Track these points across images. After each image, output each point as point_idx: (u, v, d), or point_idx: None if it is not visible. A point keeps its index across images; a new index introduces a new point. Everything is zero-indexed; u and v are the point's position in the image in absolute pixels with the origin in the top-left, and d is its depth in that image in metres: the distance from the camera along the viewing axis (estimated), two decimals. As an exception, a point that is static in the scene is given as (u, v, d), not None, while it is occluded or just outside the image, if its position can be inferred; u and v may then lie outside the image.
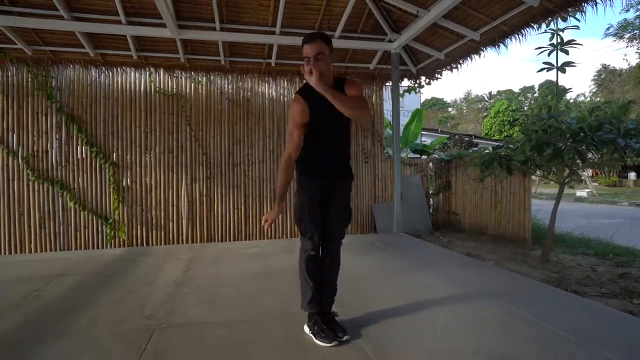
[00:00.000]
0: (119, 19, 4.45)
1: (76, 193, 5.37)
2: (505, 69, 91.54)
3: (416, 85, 6.67)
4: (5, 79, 5.12)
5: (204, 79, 5.85)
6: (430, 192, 7.15)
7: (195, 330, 2.27)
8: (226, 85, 5.95)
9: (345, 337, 2.12)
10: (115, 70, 5.44)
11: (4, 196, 5.13)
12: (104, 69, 5.39)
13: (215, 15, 4.58)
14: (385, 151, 6.67)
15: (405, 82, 6.73)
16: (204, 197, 5.85)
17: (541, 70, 10.62)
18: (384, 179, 6.56)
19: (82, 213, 5.38)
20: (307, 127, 2.13)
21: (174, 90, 5.72)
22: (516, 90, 39.77)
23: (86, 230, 5.42)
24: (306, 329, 2.22)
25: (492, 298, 2.78)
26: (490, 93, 42.88)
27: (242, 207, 5.99)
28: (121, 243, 5.49)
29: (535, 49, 4.36)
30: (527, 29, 4.44)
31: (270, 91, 6.13)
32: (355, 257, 4.16)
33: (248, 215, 6.01)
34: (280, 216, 5.96)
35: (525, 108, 33.02)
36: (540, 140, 3.91)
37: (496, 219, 5.74)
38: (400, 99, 6.16)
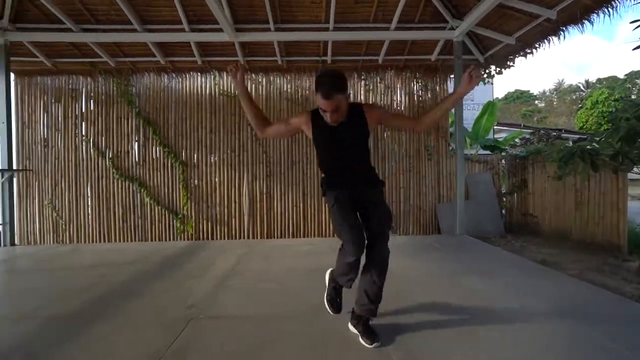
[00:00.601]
0: (183, 27, 4.77)
1: (151, 190, 5.89)
2: (608, 53, 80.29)
3: (485, 75, 6.12)
4: (96, 88, 5.81)
5: (264, 79, 6.03)
6: (503, 191, 6.51)
7: (227, 323, 2.30)
8: (284, 84, 6.06)
9: (374, 345, 2.02)
10: (183, 75, 5.87)
11: (95, 192, 5.83)
12: (174, 75, 5.85)
13: (269, 16, 4.67)
14: (450, 147, 6.23)
15: (473, 72, 6.22)
16: (264, 195, 6.03)
17: (637, 48, 9.04)
18: (448, 177, 6.14)
19: (156, 208, 5.89)
20: (320, 149, 2.20)
21: (236, 91, 5.97)
22: (621, 76, 34.66)
23: (160, 223, 5.92)
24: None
25: (566, 317, 2.32)
26: (587, 82, 37.98)
27: (300, 204, 6.05)
28: (188, 236, 5.90)
29: (631, 22, 3.58)
30: (620, 1, 3.80)
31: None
32: (408, 258, 3.94)
33: (306, 213, 6.05)
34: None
35: (634, 96, 28.60)
36: (633, 129, 3.30)
37: (582, 222, 5.02)
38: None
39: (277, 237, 5.97)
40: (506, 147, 8.56)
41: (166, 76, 5.85)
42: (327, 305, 2.30)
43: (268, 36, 4.93)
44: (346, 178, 2.15)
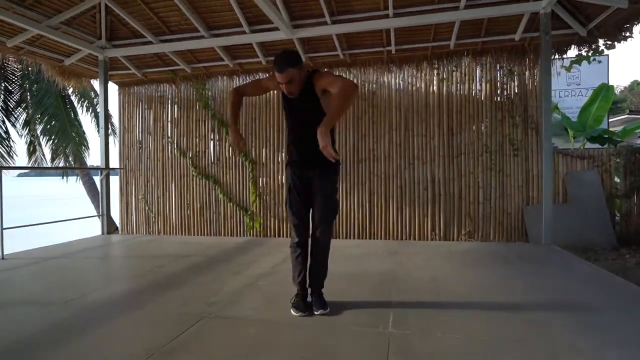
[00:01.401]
0: (244, 29, 4.93)
1: (224, 187, 6.25)
2: None
3: (590, 52, 5.05)
4: (178, 94, 6.40)
5: (329, 76, 5.91)
6: (617, 193, 5.31)
7: (234, 325, 2.24)
8: (350, 79, 5.84)
9: (319, 312, 2.34)
10: (252, 76, 6.08)
11: (177, 188, 6.42)
12: (243, 76, 6.10)
13: (324, 9, 4.53)
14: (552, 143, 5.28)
15: (572, 51, 5.18)
16: (329, 193, 5.91)
17: None
18: (540, 176, 5.23)
19: (228, 204, 6.23)
20: (285, 117, 2.48)
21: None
22: None
23: (231, 219, 6.26)
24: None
25: None
26: None
27: (367, 204, 5.79)
28: (256, 233, 6.11)
29: None
30: None
31: (396, 81, 5.72)
32: (458, 268, 3.44)
33: (372, 214, 5.77)
34: (414, 217, 5.56)
35: None
36: None
37: None
38: (571, 73, 4.78)
39: (342, 238, 5.81)
40: (623, 141, 6.98)
41: (237, 78, 6.15)
42: (292, 311, 2.39)
43: (325, 30, 4.79)
44: (299, 155, 2.39)
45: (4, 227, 3.99)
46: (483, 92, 5.45)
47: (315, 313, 2.35)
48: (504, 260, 3.77)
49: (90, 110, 9.62)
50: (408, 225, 5.64)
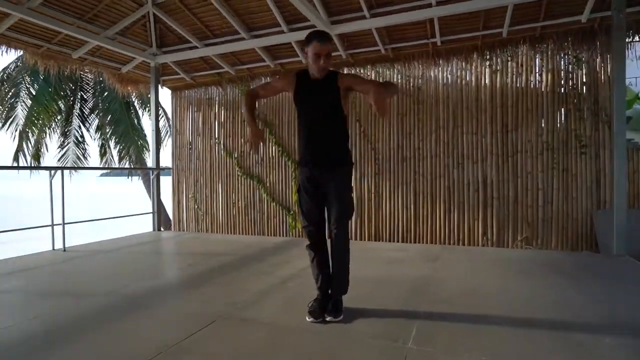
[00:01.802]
0: (282, 29, 4.91)
1: (268, 187, 6.31)
2: None
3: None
4: (225, 96, 6.59)
5: (372, 72, 5.71)
6: None
7: (246, 328, 2.19)
8: (394, 75, 5.60)
9: (329, 318, 2.21)
10: (294, 77, 6.06)
11: (224, 188, 6.62)
12: (286, 77, 6.11)
13: (361, 2, 4.36)
14: (628, 138, 4.60)
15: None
16: (372, 194, 5.72)
17: None
18: (613, 177, 4.57)
19: (272, 204, 6.29)
20: (298, 117, 2.37)
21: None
22: None
23: (275, 219, 6.30)
24: None
25: None
26: None
27: (412, 206, 5.50)
28: (298, 233, 6.08)
29: None
30: None
31: (443, 75, 5.35)
32: (506, 279, 3.07)
33: (418, 215, 5.47)
34: (463, 221, 5.18)
35: None
36: None
37: None
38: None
39: (385, 240, 5.57)
40: None
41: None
42: (307, 317, 2.29)
43: (364, 24, 4.62)
44: (311, 153, 2.28)
45: (65, 222, 4.36)
46: (543, 83, 4.89)
47: (326, 318, 2.23)
48: (563, 272, 3.32)
49: (150, 114, 10.32)
50: (456, 229, 5.25)
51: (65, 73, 6.47)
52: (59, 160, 9.41)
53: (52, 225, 4.31)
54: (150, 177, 5.83)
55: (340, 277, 2.37)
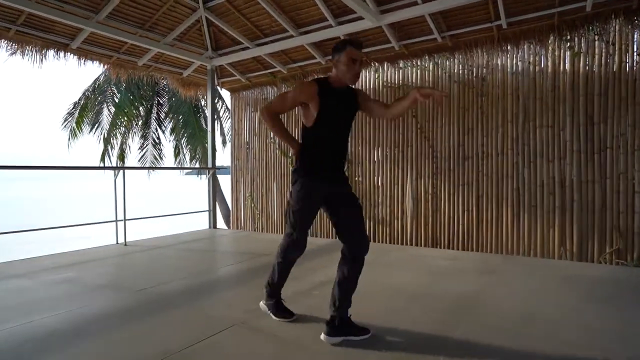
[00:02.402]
0: (330, 23, 4.73)
1: (320, 186, 6.19)
2: None
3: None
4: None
5: (430, 63, 5.27)
6: None
7: (257, 338, 2.07)
8: (454, 65, 5.10)
9: (324, 338, 2.02)
10: (347, 73, 5.84)
11: (278, 187, 6.65)
12: (338, 74, 5.91)
13: (411, -14, 4.01)
14: None
15: None
16: (429, 195, 5.29)
17: None
18: None
19: (324, 204, 6.15)
20: (316, 128, 2.14)
21: (400, 82, 5.49)
22: None
23: (327, 219, 6.15)
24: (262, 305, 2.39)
25: None
26: None
27: (473, 208, 4.97)
28: (349, 234, 5.86)
29: None
30: None
31: (512, 62, 4.73)
32: (582, 303, 2.54)
33: (480, 220, 4.92)
34: (534, 228, 4.56)
35: None
36: None
37: None
38: None
39: (443, 246, 5.11)
40: None
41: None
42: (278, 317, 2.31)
43: (415, 10, 4.24)
44: (326, 168, 2.15)
45: (126, 218, 4.69)
46: (642, 65, 4.05)
47: (321, 336, 2.02)
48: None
49: (215, 116, 10.87)
50: (526, 237, 4.60)
51: (145, 80, 7.00)
52: (138, 160, 10.39)
53: (116, 220, 4.66)
54: (206, 177, 6.06)
55: (351, 294, 2.16)
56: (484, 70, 4.90)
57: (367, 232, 2.24)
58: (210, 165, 6.02)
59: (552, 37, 4.44)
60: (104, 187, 4.85)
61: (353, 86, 2.23)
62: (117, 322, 2.32)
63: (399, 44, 5.01)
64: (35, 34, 4.65)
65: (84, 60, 5.22)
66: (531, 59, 4.61)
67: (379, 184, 5.69)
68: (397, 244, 5.45)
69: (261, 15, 5.00)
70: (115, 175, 4.63)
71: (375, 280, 3.14)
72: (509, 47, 4.70)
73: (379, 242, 5.61)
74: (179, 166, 11.14)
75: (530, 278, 3.19)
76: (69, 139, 9.91)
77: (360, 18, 4.44)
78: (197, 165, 10.86)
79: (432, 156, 5.27)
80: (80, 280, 3.23)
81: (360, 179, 5.86)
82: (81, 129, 9.90)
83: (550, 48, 4.49)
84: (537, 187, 4.56)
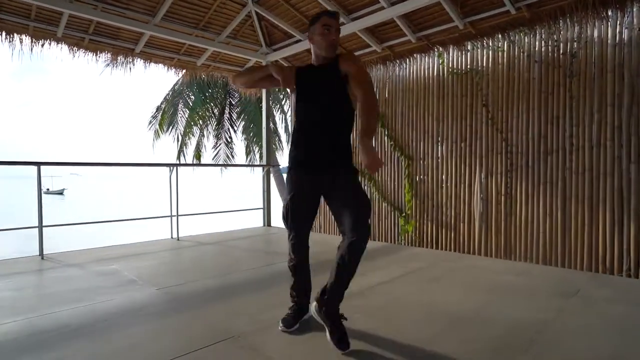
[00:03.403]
0: (382, 4, 4.29)
1: (379, 184, 5.75)
2: None
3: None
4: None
5: (504, 42, 4.50)
6: None
7: (246, 358, 1.79)
8: (535, 42, 4.27)
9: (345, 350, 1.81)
10: (407, 60, 5.31)
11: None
12: (397, 61, 5.40)
13: (473, -51, 3.38)
14: None
15: None
16: (502, 196, 4.54)
17: None
18: None
19: (383, 204, 5.70)
20: (297, 113, 2.04)
21: (468, 67, 4.80)
22: None
23: (386, 220, 5.70)
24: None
25: None
26: None
27: (558, 212, 4.11)
28: (409, 239, 5.33)
29: None
30: None
31: (614, 31, 3.79)
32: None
33: (567, 226, 4.05)
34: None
35: None
36: None
37: None
38: None
39: (519, 258, 4.33)
40: None
41: (391, 64, 5.51)
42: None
43: (479, -22, 3.59)
44: (308, 153, 1.96)
45: (179, 214, 4.82)
46: None
47: (342, 352, 1.81)
48: None
49: (281, 114, 10.97)
50: (632, 252, 3.64)
51: (215, 81, 7.23)
52: (212, 158, 10.95)
53: (171, 216, 4.81)
54: (262, 173, 6.02)
55: (345, 289, 1.95)
56: (574, 44, 4.01)
57: (368, 225, 1.89)
58: (265, 162, 5.96)
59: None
60: (181, 183, 5.08)
61: (338, 53, 2.00)
62: (121, 322, 2.25)
63: (463, 21, 4.35)
64: (106, 41, 5.01)
65: (149, 64, 5.51)
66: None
67: (443, 183, 5.06)
68: (463, 252, 4.79)
69: (310, 3, 4.75)
70: (170, 172, 4.78)
71: (413, 295, 2.66)
72: (609, 13, 3.76)
73: (441, 248, 4.99)
74: (239, 163, 11.47)
75: (627, 307, 2.42)
76: (153, 139, 10.87)
77: (417, -6, 3.93)
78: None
79: (506, 151, 4.51)
80: (119, 273, 3.31)
81: (422, 177, 5.29)
82: (163, 129, 10.79)
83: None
84: (649, 188, 3.58)
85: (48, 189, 47.45)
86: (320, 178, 1.96)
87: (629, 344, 1.89)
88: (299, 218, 2.04)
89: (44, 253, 3.89)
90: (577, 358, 1.75)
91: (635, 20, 3.67)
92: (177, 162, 10.76)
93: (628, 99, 3.69)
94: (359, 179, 2.04)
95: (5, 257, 4.02)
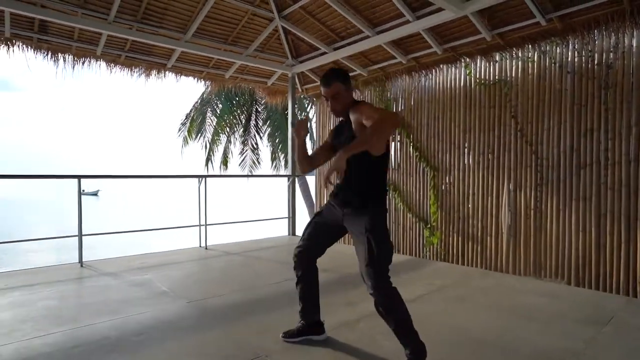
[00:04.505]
0: (407, 18, 4.28)
1: (404, 195, 5.72)
2: None
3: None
4: (362, 99, 6.32)
5: (534, 53, 4.39)
6: None
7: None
8: (567, 52, 4.15)
9: None
10: (433, 71, 5.27)
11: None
12: (423, 72, 5.36)
13: (501, -37, 3.34)
14: None
15: None
16: (531, 210, 4.42)
17: None
18: None
19: (408, 215, 5.67)
20: None
21: (496, 77, 4.71)
22: None
23: (410, 231, 5.66)
24: None
25: None
26: None
27: (592, 230, 3.97)
28: (435, 253, 5.27)
29: None
30: None
31: (653, 40, 3.63)
32: None
33: (602, 244, 3.90)
34: None
35: None
36: None
37: None
38: None
39: (549, 276, 4.20)
40: None
41: (416, 75, 5.48)
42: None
43: (509, -8, 3.53)
44: (337, 191, 2.11)
45: (207, 223, 4.98)
46: None
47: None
48: None
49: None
50: (668, 273, 3.47)
51: (241, 90, 7.41)
52: (239, 164, 11.20)
53: (199, 225, 4.98)
54: (287, 183, 6.11)
55: (399, 336, 1.96)
56: (610, 55, 3.87)
57: (376, 273, 1.90)
58: (290, 172, 6.06)
59: None
60: (213, 192, 5.26)
61: (360, 101, 2.13)
62: (156, 336, 2.37)
63: (491, 33, 4.28)
64: (140, 58, 5.25)
65: (180, 77, 5.73)
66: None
67: (469, 192, 4.98)
68: (490, 268, 4.69)
69: (336, 18, 4.80)
70: (199, 183, 4.95)
71: (436, 316, 2.65)
72: (645, 23, 3.61)
73: (467, 263, 4.91)
74: (265, 173, 11.68)
75: (665, 337, 2.32)
76: (182, 146, 11.25)
77: (441, 10, 3.90)
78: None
79: (536, 164, 4.39)
80: (152, 284, 3.47)
81: (448, 187, 5.22)
82: (192, 136, 11.14)
83: None
84: (691, 206, 3.40)
85: (84, 190, 49.71)
86: (337, 211, 2.10)
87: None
88: (313, 233, 2.19)
89: (83, 260, 4.12)
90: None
91: (676, 29, 3.51)
92: (206, 171, 11.08)
93: (670, 111, 3.53)
94: (377, 221, 1.98)
95: (49, 264, 4.28)
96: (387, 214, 2.10)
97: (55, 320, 2.56)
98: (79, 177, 4.06)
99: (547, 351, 2.12)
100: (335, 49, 5.33)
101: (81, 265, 4.08)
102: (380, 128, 1.76)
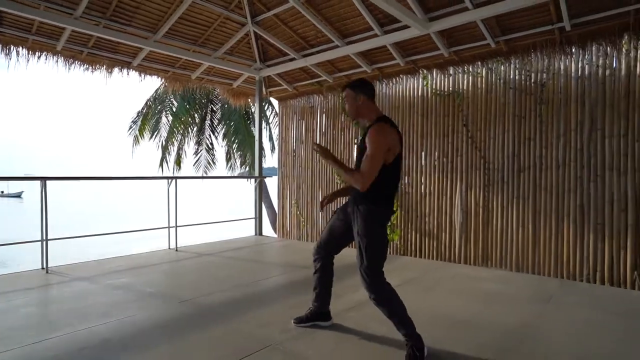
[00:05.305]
0: (376, 32, 4.65)
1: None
2: None
3: None
4: (326, 104, 6.62)
5: (483, 69, 4.98)
6: None
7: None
8: (510, 70, 4.78)
9: None
10: (393, 80, 5.71)
11: (323, 194, 6.65)
12: (385, 81, 5.79)
13: (461, -8, 3.81)
14: None
15: None
16: (480, 208, 5.01)
17: None
18: None
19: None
20: None
21: (450, 89, 5.25)
22: None
23: (372, 229, 6.05)
24: None
25: None
26: None
27: (529, 225, 4.62)
28: (396, 248, 5.72)
29: None
30: None
31: (577, 66, 4.33)
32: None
33: (537, 237, 4.56)
34: (602, 249, 4.17)
35: None
36: None
37: None
38: None
39: (495, 265, 4.80)
40: None
41: (378, 84, 5.89)
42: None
43: (466, 17, 4.02)
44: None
45: (178, 224, 4.95)
46: None
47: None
48: None
49: (265, 123, 11.17)
50: (591, 260, 4.18)
51: (199, 89, 7.33)
52: (193, 164, 10.98)
53: (169, 227, 4.93)
54: (254, 184, 6.23)
55: (395, 323, 2.22)
56: (544, 75, 4.54)
57: (365, 272, 2.20)
58: (257, 174, 6.17)
59: (626, 38, 3.99)
60: (161, 193, 5.18)
61: (378, 125, 2.20)
62: (159, 336, 2.44)
63: (448, 50, 4.80)
64: (103, 55, 5.06)
65: (144, 76, 5.60)
66: (600, 61, 4.18)
67: (425, 192, 5.49)
68: (445, 260, 5.22)
69: (307, 27, 5.05)
70: (169, 184, 4.91)
71: (415, 303, 3.01)
72: (573, 50, 4.31)
73: (425, 257, 5.41)
74: (228, 175, 11.59)
75: (593, 310, 2.88)
76: (133, 145, 10.74)
77: (407, 27, 4.31)
78: (246, 170, 11.25)
79: (484, 167, 4.98)
80: (134, 286, 3.45)
81: (407, 189, 5.69)
82: (143, 136, 10.70)
83: (623, 49, 4.05)
84: (606, 203, 4.13)
85: (3, 192, 44.73)
86: (348, 208, 2.33)
87: (598, 345, 2.32)
88: (331, 228, 2.50)
89: (48, 266, 3.94)
90: (555, 356, 2.15)
91: (594, 58, 4.23)
92: (160, 172, 10.71)
93: (588, 125, 4.24)
94: (369, 225, 2.15)
95: (6, 271, 4.02)
96: (388, 217, 2.30)
97: (47, 325, 2.52)
98: (43, 179, 3.88)
99: (507, 324, 2.55)
100: (305, 55, 5.56)
101: (46, 272, 3.90)
102: (354, 180, 2.10)
